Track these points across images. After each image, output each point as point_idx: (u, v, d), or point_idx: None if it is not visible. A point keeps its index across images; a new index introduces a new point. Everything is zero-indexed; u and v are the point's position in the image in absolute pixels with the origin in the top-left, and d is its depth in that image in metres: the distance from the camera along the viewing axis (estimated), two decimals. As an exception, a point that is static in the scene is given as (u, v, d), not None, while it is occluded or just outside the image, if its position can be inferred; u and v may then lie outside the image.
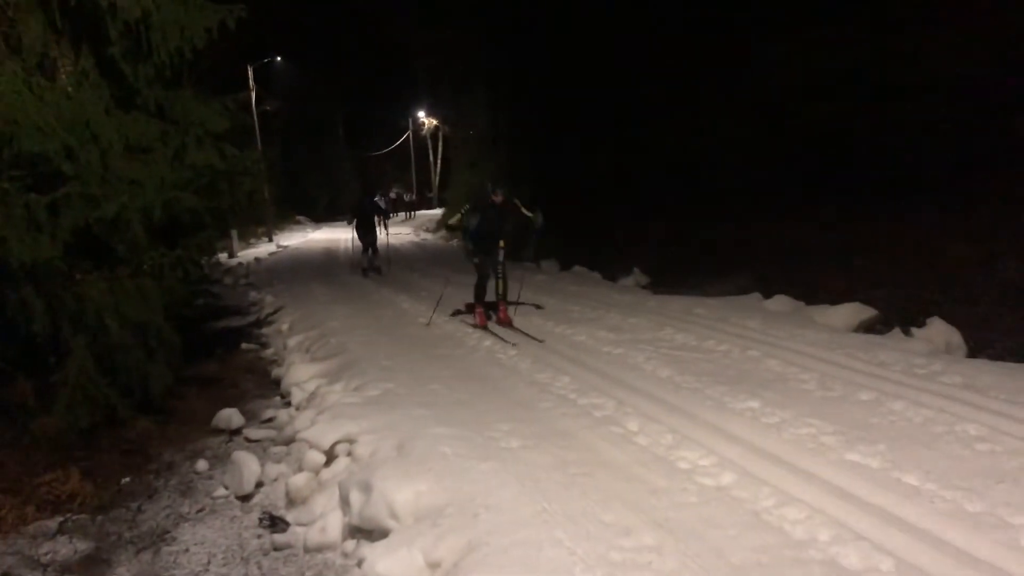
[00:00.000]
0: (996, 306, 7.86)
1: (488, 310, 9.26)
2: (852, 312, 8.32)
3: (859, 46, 10.79)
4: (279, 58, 36.24)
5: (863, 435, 4.67)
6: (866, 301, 8.54)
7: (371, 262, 16.05)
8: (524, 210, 9.09)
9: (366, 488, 4.27)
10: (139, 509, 5.16)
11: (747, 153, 12.81)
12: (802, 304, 9.03)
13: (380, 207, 28.23)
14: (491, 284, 9.24)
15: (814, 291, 9.40)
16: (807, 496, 3.88)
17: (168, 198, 7.12)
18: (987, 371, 5.93)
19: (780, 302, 9.17)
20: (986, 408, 5.04)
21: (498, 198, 8.85)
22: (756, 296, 9.65)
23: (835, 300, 8.70)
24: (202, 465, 5.89)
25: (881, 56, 10.45)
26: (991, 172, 8.98)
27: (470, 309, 9.68)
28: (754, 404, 5.41)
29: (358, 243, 16.28)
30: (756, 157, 12.55)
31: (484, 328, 8.86)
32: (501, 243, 9.18)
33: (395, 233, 28.58)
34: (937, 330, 7.27)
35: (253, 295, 14.52)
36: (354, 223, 15.81)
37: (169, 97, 7.89)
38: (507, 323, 8.99)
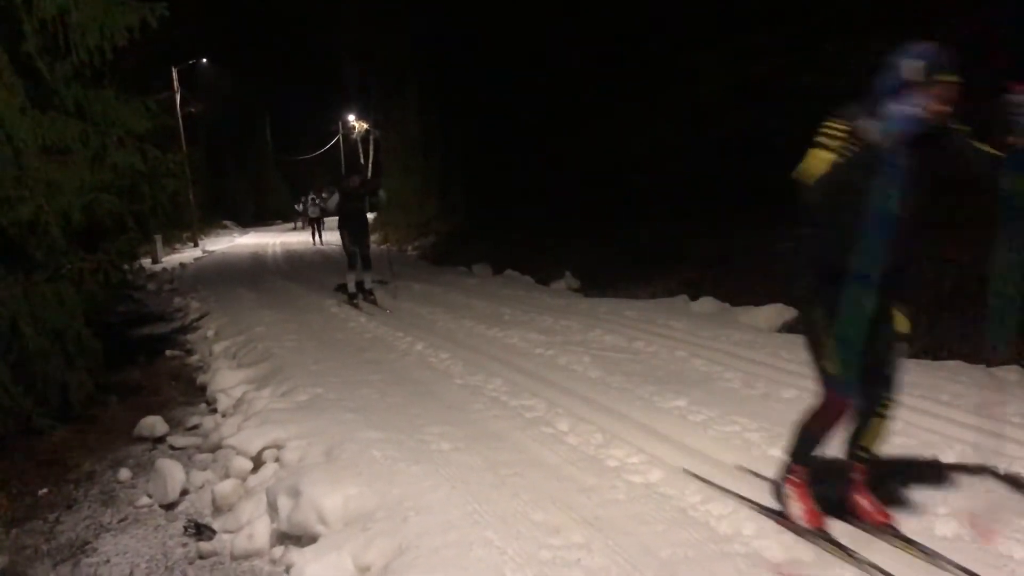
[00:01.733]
0: (911, 306, 8.12)
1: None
2: (775, 313, 8.53)
3: (783, 54, 11.07)
4: (204, 60, 35.56)
5: (785, 431, 4.75)
6: (789, 302, 8.74)
7: (361, 283, 11.38)
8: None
9: (294, 493, 4.21)
10: (57, 520, 4.99)
11: (675, 158, 13.04)
12: (727, 306, 9.23)
13: (321, 208, 27.55)
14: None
15: (739, 293, 9.61)
16: (731, 491, 3.96)
17: (88, 200, 6.93)
18: (903, 369, 6.11)
19: (706, 304, 9.36)
20: (902, 404, 5.16)
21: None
22: (683, 298, 9.83)
23: (759, 302, 8.90)
24: (124, 474, 5.73)
25: (804, 64, 10.74)
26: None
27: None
28: (681, 403, 5.51)
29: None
30: (684, 162, 12.77)
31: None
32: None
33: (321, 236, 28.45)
34: (856, 329, 7.48)
35: (178, 301, 14.19)
36: (337, 224, 11.89)
37: (89, 97, 7.67)
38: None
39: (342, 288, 12.01)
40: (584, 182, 15.47)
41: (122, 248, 8.14)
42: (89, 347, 6.74)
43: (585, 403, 5.68)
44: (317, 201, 29.48)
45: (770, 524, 3.58)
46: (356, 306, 10.96)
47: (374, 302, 11.10)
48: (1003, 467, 4.07)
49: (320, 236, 29.06)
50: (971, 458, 4.22)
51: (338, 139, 54.28)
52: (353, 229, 11.30)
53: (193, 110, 35.42)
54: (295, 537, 4.12)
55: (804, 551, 3.34)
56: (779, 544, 3.41)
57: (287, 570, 3.84)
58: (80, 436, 6.42)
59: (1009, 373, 5.95)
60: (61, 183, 6.70)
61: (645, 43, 13.72)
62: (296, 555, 3.85)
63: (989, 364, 6.23)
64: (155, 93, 8.77)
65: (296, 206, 36.96)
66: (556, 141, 16.74)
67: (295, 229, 38.18)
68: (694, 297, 9.72)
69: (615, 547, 3.43)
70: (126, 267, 8.69)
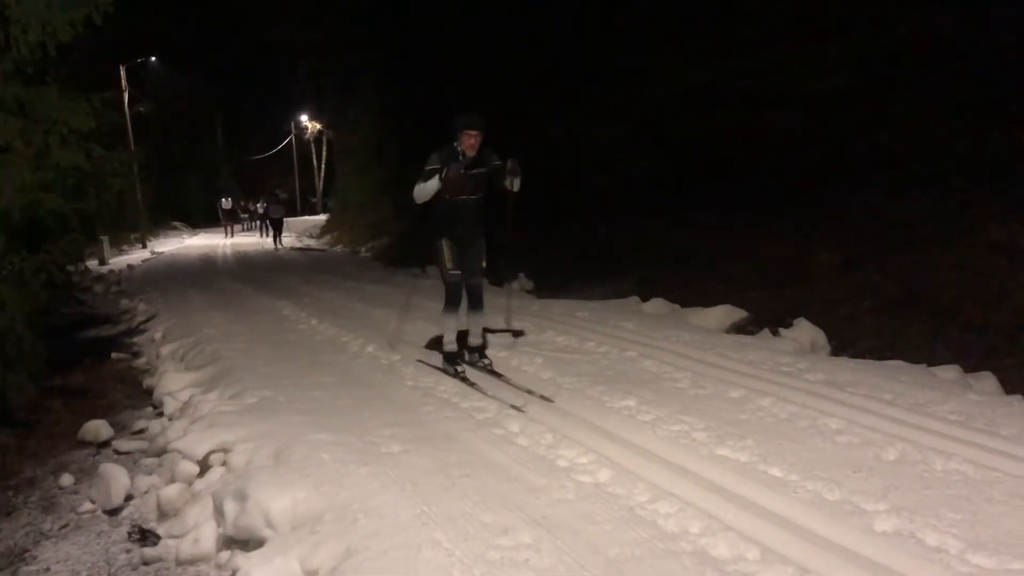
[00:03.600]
0: (857, 308, 8.30)
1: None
2: (724, 314, 8.65)
3: (736, 57, 11.24)
4: (153, 58, 34.97)
5: (733, 431, 4.86)
6: (738, 303, 8.88)
7: (464, 336, 6.90)
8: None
9: (241, 497, 4.17)
10: (-4, 528, 4.88)
11: (627, 160, 13.15)
12: (677, 307, 9.32)
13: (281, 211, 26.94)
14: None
15: (689, 294, 9.72)
16: (679, 490, 4.00)
17: (30, 200, 6.79)
18: (848, 368, 6.27)
19: (657, 305, 9.44)
20: (846, 403, 5.31)
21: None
22: (634, 299, 9.90)
23: (709, 303, 9.01)
24: (67, 479, 5.61)
25: (751, 69, 10.92)
26: (853, 182, 9.52)
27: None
28: (630, 403, 5.55)
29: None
30: (636, 164, 12.89)
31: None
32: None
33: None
34: (803, 330, 7.62)
35: (125, 303, 13.95)
36: (433, 226, 6.63)
37: (31, 94, 7.50)
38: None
39: (436, 345, 7.37)
40: (538, 183, 15.50)
41: (66, 248, 7.98)
42: (30, 350, 6.60)
43: (536, 404, 5.70)
44: (281, 198, 29.00)
45: (716, 522, 3.64)
46: (465, 379, 6.41)
47: (495, 371, 6.60)
48: (941, 464, 4.17)
49: (280, 239, 27.53)
50: (911, 455, 4.32)
51: (291, 139, 53.69)
52: (461, 237, 6.60)
53: (142, 109, 34.83)
54: (242, 541, 4.08)
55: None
56: (725, 542, 3.46)
57: (233, 575, 3.79)
58: (20, 441, 6.27)
59: (948, 373, 6.10)
60: (1, 182, 6.54)
61: (602, 44, 13.82)
62: (243, 560, 3.81)
63: (929, 364, 6.39)
64: (102, 91, 8.56)
65: (221, 203, 35.96)
66: (510, 142, 16.75)
67: (245, 230, 37.74)
68: (645, 298, 9.80)
69: (563, 547, 3.45)
70: (70, 268, 8.55)
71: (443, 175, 6.13)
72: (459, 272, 6.58)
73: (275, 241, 27.39)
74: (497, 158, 6.44)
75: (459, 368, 6.61)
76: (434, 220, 6.54)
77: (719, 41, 11.52)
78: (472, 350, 6.84)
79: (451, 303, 6.62)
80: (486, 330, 7.12)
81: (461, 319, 6.76)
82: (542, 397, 5.80)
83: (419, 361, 7.19)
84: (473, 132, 6.20)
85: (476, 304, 6.75)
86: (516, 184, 6.41)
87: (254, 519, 4.01)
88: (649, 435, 4.89)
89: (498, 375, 6.45)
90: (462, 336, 6.84)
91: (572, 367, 6.76)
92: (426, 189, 6.25)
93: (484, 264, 6.78)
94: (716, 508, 3.79)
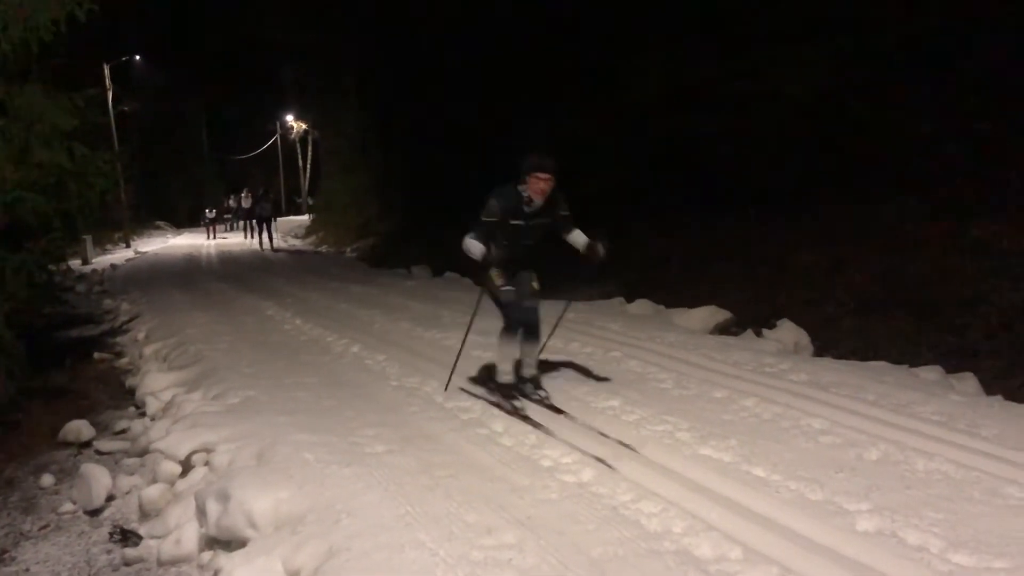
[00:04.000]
0: (840, 309, 8.35)
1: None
2: (708, 315, 8.68)
3: (715, 60, 11.28)
4: (138, 57, 34.77)
5: (716, 431, 4.87)
6: (722, 304, 8.91)
7: (518, 365, 6.00)
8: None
9: (224, 497, 4.14)
10: (-26, 529, 4.84)
11: (611, 161, 13.17)
12: (662, 308, 9.34)
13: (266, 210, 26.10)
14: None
15: (674, 295, 9.74)
16: (662, 490, 4.01)
17: (11, 198, 6.73)
18: (831, 369, 6.30)
19: (641, 306, 9.46)
20: (829, 403, 5.34)
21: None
22: (619, 300, 9.92)
23: (693, 304, 9.04)
24: (47, 480, 5.58)
25: (735, 71, 10.95)
26: (837, 184, 9.57)
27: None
28: (615, 403, 5.56)
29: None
30: (619, 165, 12.91)
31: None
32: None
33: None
34: (787, 331, 7.66)
35: (108, 303, 13.87)
36: (493, 257, 5.68)
37: (12, 92, 7.44)
38: None
39: (487, 377, 6.34)
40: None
41: (48, 248, 7.95)
42: (11, 349, 6.54)
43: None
44: (270, 197, 28.24)
45: (699, 522, 3.64)
46: (526, 418, 5.37)
47: (554, 406, 5.57)
48: (922, 465, 4.19)
49: (269, 238, 25.32)
50: (893, 455, 4.35)
51: (276, 139, 53.49)
52: (520, 255, 5.81)
53: (126, 108, 34.61)
54: (224, 542, 4.06)
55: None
56: (708, 542, 3.47)
57: (215, 575, 3.77)
58: (0, 441, 6.21)
59: (930, 374, 6.14)
60: (-18, 180, 6.50)
61: (582, 46, 13.84)
62: (225, 560, 3.79)
63: (911, 365, 6.43)
64: (85, 90, 8.50)
65: (205, 213, 35.78)
66: (495, 142, 16.75)
67: (228, 230, 37.45)
68: (630, 299, 9.82)
69: (547, 546, 3.45)
70: (52, 267, 8.48)
71: (488, 257, 5.49)
72: (512, 289, 5.71)
73: (261, 240, 25.31)
74: (566, 207, 5.74)
75: (516, 403, 5.62)
76: (489, 259, 5.66)
77: (702, 43, 11.55)
78: (525, 380, 5.91)
79: (509, 327, 5.73)
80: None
81: (516, 345, 5.83)
82: (621, 443, 4.78)
83: (462, 389, 6.22)
84: (544, 176, 5.35)
85: (531, 329, 5.86)
86: (601, 251, 5.78)
87: (236, 519, 3.99)
88: (633, 435, 4.89)
89: (558, 411, 5.47)
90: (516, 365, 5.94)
91: (557, 368, 6.76)
92: (471, 251, 5.54)
93: (537, 285, 5.92)
94: (699, 508, 3.79)
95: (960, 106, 8.93)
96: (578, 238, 5.82)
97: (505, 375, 5.85)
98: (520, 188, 5.45)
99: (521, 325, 5.75)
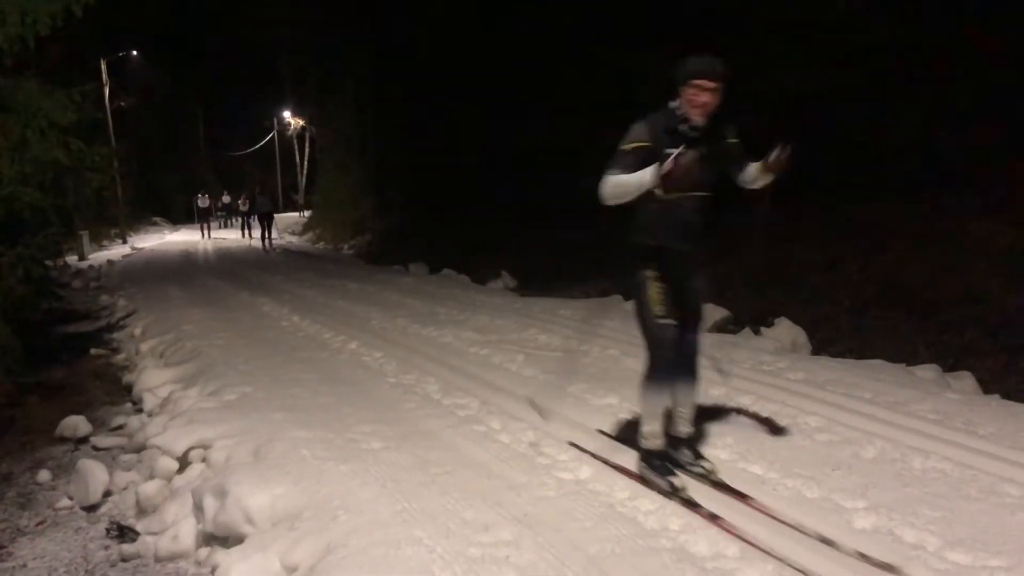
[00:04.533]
0: (837, 308, 8.36)
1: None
2: (706, 313, 8.64)
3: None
4: (135, 52, 34.71)
5: (710, 428, 4.88)
6: (720, 303, 8.90)
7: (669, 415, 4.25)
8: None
9: (221, 494, 4.14)
10: (-29, 524, 4.83)
11: (607, 160, 13.16)
12: (661, 306, 9.32)
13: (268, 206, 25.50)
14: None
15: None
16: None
17: (7, 193, 6.71)
18: (828, 367, 6.31)
19: (640, 303, 9.44)
20: (825, 401, 5.35)
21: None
22: (617, 298, 9.92)
23: (691, 302, 9.01)
24: (44, 475, 5.56)
25: (730, 68, 10.94)
26: (834, 182, 9.57)
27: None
28: (612, 400, 5.57)
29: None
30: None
31: None
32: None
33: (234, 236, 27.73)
34: (784, 330, 7.66)
35: (105, 298, 13.84)
36: (643, 249, 4.16)
37: (9, 87, 7.42)
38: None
39: (625, 429, 4.94)
40: (522, 181, 15.52)
41: (44, 243, 7.92)
42: (7, 345, 6.54)
43: (518, 401, 5.69)
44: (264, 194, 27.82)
45: (696, 519, 3.65)
46: (690, 502, 3.81)
47: (725, 483, 4.06)
48: (919, 463, 4.20)
49: (270, 235, 24.89)
50: (890, 453, 4.35)
51: (273, 135, 53.43)
52: (678, 261, 4.10)
53: (123, 103, 34.57)
54: (221, 538, 4.05)
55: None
56: (704, 539, 3.47)
57: (212, 571, 3.77)
58: (-3, 437, 6.21)
59: (927, 372, 6.14)
60: (-21, 175, 6.48)
61: (581, 44, 13.83)
62: (222, 556, 3.79)
63: (908, 363, 6.43)
64: (82, 85, 8.48)
65: (197, 199, 33.13)
66: (494, 139, 16.77)
67: (222, 227, 37.14)
68: (627, 297, 9.81)
69: (544, 543, 3.45)
70: (48, 263, 8.45)
71: (665, 170, 3.60)
72: (671, 321, 4.02)
73: (263, 240, 24.51)
74: (734, 131, 4.11)
75: (674, 481, 3.96)
76: (638, 230, 4.12)
77: (697, 40, 11.53)
78: (679, 443, 4.27)
79: (659, 369, 4.04)
80: None
81: (667, 395, 4.12)
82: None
83: (572, 445, 4.73)
84: (711, 84, 3.74)
85: (689, 372, 4.25)
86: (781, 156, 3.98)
87: (233, 516, 3.98)
88: (628, 433, 4.89)
89: (741, 495, 3.89)
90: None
91: (554, 365, 6.76)
92: (627, 186, 3.84)
93: (703, 305, 4.43)
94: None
95: (959, 104, 8.94)
96: (753, 170, 4.16)
97: (651, 438, 4.11)
98: (673, 107, 3.89)
99: (677, 369, 4.15)
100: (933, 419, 4.90)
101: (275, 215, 27.04)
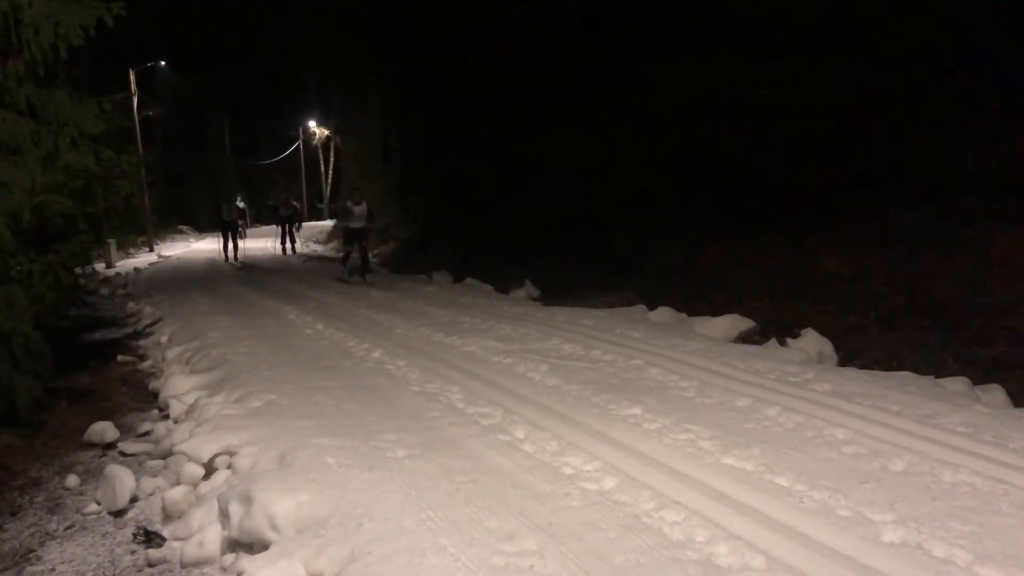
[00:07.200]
0: (864, 318, 8.29)
1: None
2: (731, 323, 8.62)
3: (735, 69, 11.25)
4: (163, 63, 35.11)
5: (739, 440, 4.85)
6: (745, 313, 8.86)
7: None
8: None
9: (246, 500, 4.16)
10: (0, 528, 4.87)
11: (632, 169, 13.16)
12: (684, 316, 9.30)
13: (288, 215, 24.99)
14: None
15: (695, 303, 9.70)
16: (685, 499, 3.99)
17: (39, 201, 6.79)
18: (855, 379, 6.25)
19: (663, 314, 9.42)
20: (853, 413, 5.30)
21: None
22: (641, 308, 9.89)
23: (716, 312, 9.00)
24: (72, 480, 5.61)
25: (755, 80, 10.92)
26: (859, 193, 9.51)
27: None
28: (636, 411, 5.54)
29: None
30: (640, 173, 12.90)
31: None
32: None
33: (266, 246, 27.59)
34: (810, 340, 7.60)
35: (131, 306, 13.95)
36: None
37: (42, 96, 7.51)
38: None
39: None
40: (545, 191, 15.54)
41: (74, 250, 8.01)
42: (37, 351, 6.59)
43: (541, 410, 5.69)
44: (293, 203, 27.25)
45: (722, 531, 3.62)
46: None
47: None
48: (949, 476, 4.15)
49: (293, 243, 24.83)
50: (919, 466, 4.30)
51: (298, 145, 53.82)
52: None
53: (151, 113, 34.95)
54: (246, 544, 4.07)
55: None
56: (731, 551, 3.45)
57: (237, 577, 3.79)
58: (26, 441, 6.27)
59: (956, 385, 6.07)
60: (11, 183, 6.55)
61: (605, 54, 13.84)
62: (247, 562, 3.80)
63: (937, 376, 6.36)
64: (111, 95, 8.57)
65: (223, 210, 24.30)
66: (518, 149, 16.79)
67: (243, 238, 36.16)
68: (652, 307, 9.79)
69: (568, 553, 3.44)
70: (78, 270, 8.54)
71: None
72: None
73: (284, 246, 24.73)
74: None
75: None
76: None
77: (722, 52, 11.52)
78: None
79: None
80: None
81: None
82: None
83: None
84: None
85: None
86: None
87: (259, 522, 4.01)
88: (655, 443, 4.88)
89: None
90: None
91: (577, 375, 6.75)
92: None
93: None
94: (722, 517, 3.77)
95: (984, 114, 8.86)
96: None
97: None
98: None
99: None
100: (963, 432, 4.84)
101: (301, 223, 26.97)
